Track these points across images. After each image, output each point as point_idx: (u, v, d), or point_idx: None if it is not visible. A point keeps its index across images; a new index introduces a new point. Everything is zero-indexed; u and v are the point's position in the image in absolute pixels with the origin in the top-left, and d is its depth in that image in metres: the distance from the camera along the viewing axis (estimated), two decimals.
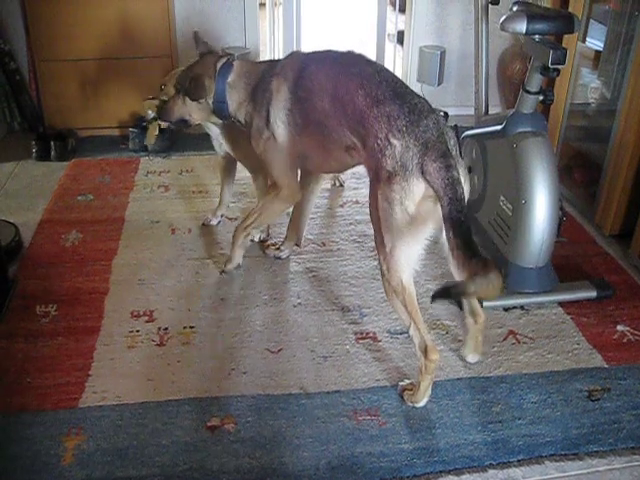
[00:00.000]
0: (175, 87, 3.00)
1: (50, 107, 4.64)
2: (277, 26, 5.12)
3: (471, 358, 2.56)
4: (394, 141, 2.15)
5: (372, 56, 5.06)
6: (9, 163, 4.24)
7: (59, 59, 4.52)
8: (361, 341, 2.68)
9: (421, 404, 2.37)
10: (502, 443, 2.24)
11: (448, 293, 2.11)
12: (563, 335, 2.74)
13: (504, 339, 2.71)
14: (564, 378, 2.51)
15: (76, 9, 4.38)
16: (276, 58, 3.16)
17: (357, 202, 3.72)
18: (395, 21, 5.51)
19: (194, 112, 2.95)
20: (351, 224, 3.50)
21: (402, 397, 2.40)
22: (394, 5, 5.48)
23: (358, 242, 3.33)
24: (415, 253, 2.22)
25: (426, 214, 2.14)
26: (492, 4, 3.24)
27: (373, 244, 3.17)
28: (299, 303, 2.90)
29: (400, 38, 5.33)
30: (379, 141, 2.19)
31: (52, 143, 4.27)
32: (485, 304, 2.81)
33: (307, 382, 2.47)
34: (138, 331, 2.72)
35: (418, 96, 2.31)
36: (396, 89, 2.30)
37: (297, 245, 3.25)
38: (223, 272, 3.07)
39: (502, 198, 2.97)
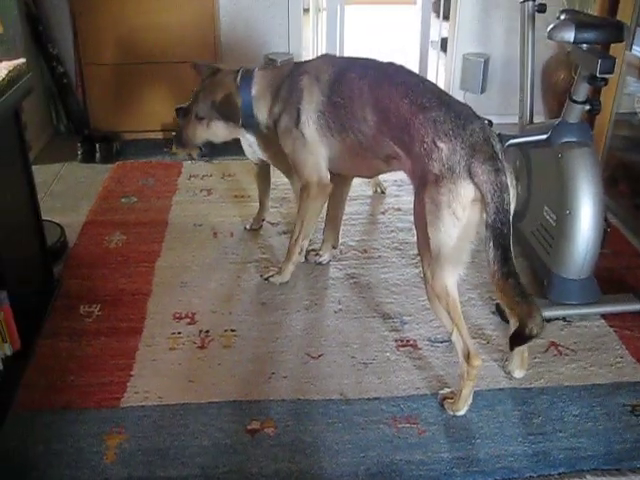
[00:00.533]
0: (193, 112, 2.93)
1: (95, 110, 4.72)
2: (320, 32, 5.14)
3: (517, 374, 2.52)
4: (441, 144, 2.15)
5: (415, 63, 5.07)
6: (55, 164, 4.32)
7: (105, 63, 4.60)
8: (402, 348, 2.68)
9: (461, 412, 2.35)
10: (543, 455, 2.21)
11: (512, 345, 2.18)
12: (606, 348, 2.69)
13: (546, 350, 2.68)
14: (607, 392, 2.47)
15: (123, 15, 4.46)
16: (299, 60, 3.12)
17: (399, 209, 3.71)
18: (439, 28, 5.49)
19: (220, 132, 2.94)
20: (392, 231, 3.50)
21: (443, 405, 2.39)
22: (438, 12, 5.46)
23: (399, 249, 3.32)
24: (461, 258, 2.20)
25: (473, 218, 2.12)
26: (539, 12, 3.22)
27: (414, 252, 3.21)
28: (340, 309, 2.90)
29: (443, 45, 5.31)
30: (425, 145, 2.18)
31: (97, 145, 4.34)
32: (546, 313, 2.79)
33: (347, 388, 2.47)
34: (180, 333, 2.75)
35: (463, 104, 2.31)
36: (441, 97, 2.31)
37: (334, 247, 3.26)
38: (267, 280, 3.07)
39: (546, 208, 2.94)
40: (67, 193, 3.96)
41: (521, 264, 3.15)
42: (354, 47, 5.84)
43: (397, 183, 3.95)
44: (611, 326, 2.82)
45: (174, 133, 3.23)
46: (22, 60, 2.57)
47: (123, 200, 3.85)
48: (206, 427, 2.30)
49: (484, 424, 2.33)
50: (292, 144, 2.74)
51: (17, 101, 2.53)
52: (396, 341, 2.72)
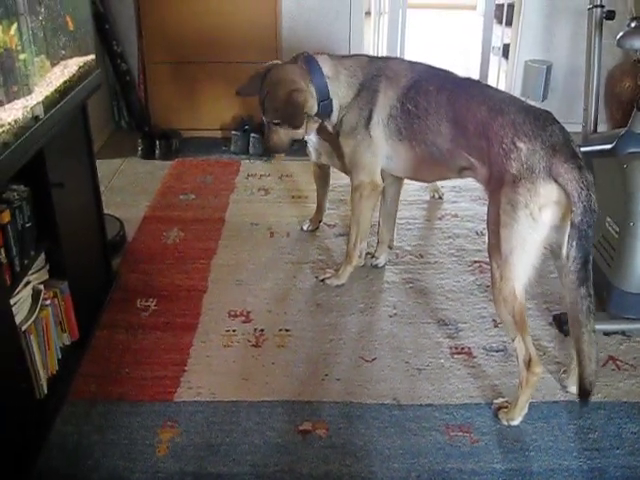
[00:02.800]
0: (267, 121, 2.85)
1: (156, 107, 4.80)
2: (381, 35, 5.12)
3: (575, 389, 2.47)
4: (520, 144, 2.12)
5: (476, 69, 5.03)
6: (116, 160, 4.39)
7: (167, 61, 4.67)
8: (456, 356, 2.65)
9: (516, 422, 2.32)
10: (599, 472, 2.16)
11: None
12: None
13: (604, 365, 2.62)
14: None
15: (187, 15, 4.52)
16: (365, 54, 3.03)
17: (456, 216, 3.68)
18: (501, 34, 5.44)
19: (301, 129, 2.82)
20: (449, 237, 3.47)
21: (497, 415, 2.36)
22: (499, 18, 5.40)
23: (456, 256, 3.29)
24: (532, 262, 2.16)
25: (550, 220, 2.09)
26: (607, 19, 3.16)
27: (471, 259, 3.20)
28: (395, 313, 2.89)
29: (505, 51, 5.25)
30: (504, 146, 2.16)
31: (157, 142, 4.40)
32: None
33: (400, 393, 2.46)
34: (234, 331, 2.77)
35: (542, 109, 2.28)
36: (520, 103, 2.30)
37: (390, 247, 3.24)
38: (323, 281, 3.07)
39: (608, 219, 2.88)
40: (127, 188, 4.03)
41: None
42: (415, 51, 5.81)
43: (455, 189, 3.92)
44: None
45: (264, 142, 3.11)
46: (92, 56, 2.62)
47: (181, 197, 3.90)
48: (258, 425, 2.31)
49: (538, 436, 2.29)
50: (356, 144, 2.71)
51: (86, 96, 2.58)
52: (451, 348, 2.69)
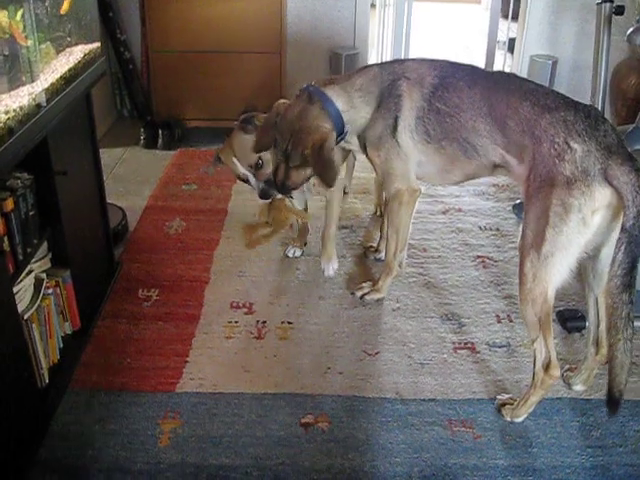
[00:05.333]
0: (290, 162, 2.56)
1: (159, 97, 4.79)
2: (387, 27, 5.10)
3: (579, 387, 2.46)
4: (574, 145, 2.05)
5: (481, 63, 5.01)
6: (118, 149, 4.38)
7: (171, 51, 4.66)
8: (459, 351, 2.64)
9: (520, 419, 2.31)
10: (601, 469, 2.16)
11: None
12: None
13: (607, 362, 2.60)
14: None
15: (191, 4, 4.52)
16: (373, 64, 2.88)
17: (460, 210, 3.67)
18: (507, 29, 5.42)
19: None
20: (453, 232, 3.45)
21: (499, 410, 2.35)
22: (505, 13, 5.38)
23: (459, 250, 3.28)
24: (571, 264, 2.11)
25: (599, 224, 2.04)
26: (616, 14, 3.14)
27: (475, 254, 3.18)
28: (398, 307, 2.88)
29: (511, 46, 5.23)
30: (556, 146, 2.09)
31: (160, 131, 4.38)
32: (588, 324, 2.72)
33: (403, 387, 2.45)
34: (237, 322, 2.76)
35: (588, 104, 2.23)
36: (565, 98, 2.22)
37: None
38: (362, 298, 2.93)
39: None
40: (129, 177, 4.02)
41: None
42: (420, 44, 5.79)
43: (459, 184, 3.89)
44: None
45: (274, 182, 2.66)
46: (97, 44, 2.60)
47: (184, 187, 3.89)
48: (260, 418, 2.31)
49: (541, 433, 2.29)
50: (385, 153, 2.59)
51: (90, 84, 2.56)
52: (454, 343, 2.68)
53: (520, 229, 2.23)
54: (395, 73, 2.54)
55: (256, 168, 2.73)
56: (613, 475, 2.14)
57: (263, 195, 2.77)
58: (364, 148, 2.67)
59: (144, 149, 4.41)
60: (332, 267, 3.06)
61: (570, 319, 2.77)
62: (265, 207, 2.88)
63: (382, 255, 3.17)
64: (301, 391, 2.42)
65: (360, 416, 2.32)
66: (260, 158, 2.70)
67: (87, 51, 2.49)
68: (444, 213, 3.65)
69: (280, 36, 4.63)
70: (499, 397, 2.40)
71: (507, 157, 2.31)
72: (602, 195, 2.00)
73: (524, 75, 4.88)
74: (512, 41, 5.20)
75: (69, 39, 2.32)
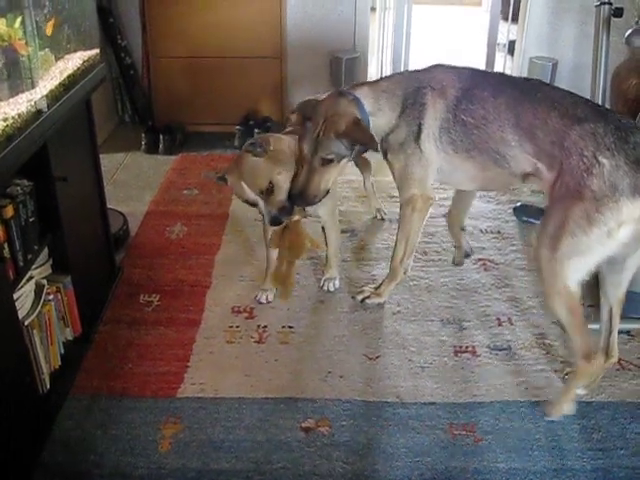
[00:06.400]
0: (316, 159, 2.51)
1: (160, 102, 4.79)
2: (387, 30, 5.11)
3: (581, 391, 2.44)
4: (603, 160, 2.04)
5: (481, 65, 5.01)
6: (119, 154, 4.39)
7: (172, 56, 4.67)
8: (460, 354, 2.64)
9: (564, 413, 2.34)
10: (602, 472, 2.15)
11: None
12: None
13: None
14: None
15: (191, 9, 4.52)
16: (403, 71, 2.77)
17: None
18: (507, 31, 5.42)
19: (341, 172, 2.67)
20: None
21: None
22: (505, 15, 5.38)
23: None
24: (589, 268, 2.13)
25: (625, 237, 2.04)
26: (614, 16, 3.14)
27: (475, 257, 3.19)
28: (398, 311, 2.88)
29: (511, 48, 5.23)
30: (585, 160, 2.08)
31: (161, 137, 4.39)
32: (589, 326, 2.71)
33: (403, 391, 2.45)
34: (238, 327, 2.76)
35: (620, 114, 2.23)
36: (595, 107, 2.22)
37: (467, 255, 3.17)
38: (362, 302, 2.92)
39: None
40: (130, 182, 4.02)
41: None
42: (421, 47, 5.79)
43: None
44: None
45: (290, 193, 2.56)
46: (96, 51, 2.61)
47: (185, 192, 3.89)
48: (261, 422, 2.31)
49: (542, 436, 2.28)
50: (405, 158, 2.56)
51: (90, 90, 2.57)
52: (454, 346, 2.68)
53: (536, 231, 2.26)
54: (421, 81, 2.52)
55: (267, 193, 2.54)
56: (614, 478, 2.14)
57: (274, 222, 2.60)
58: (384, 154, 2.65)
59: (145, 154, 4.42)
60: (334, 284, 3.02)
61: None
62: (279, 233, 2.72)
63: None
64: (302, 395, 2.42)
65: (361, 420, 2.32)
66: (271, 182, 2.53)
67: (86, 57, 2.50)
68: (444, 216, 3.62)
69: (280, 41, 4.64)
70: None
71: (538, 165, 2.28)
72: (630, 209, 2.00)
73: None
74: (512, 43, 5.20)
75: (68, 46, 2.33)
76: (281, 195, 2.55)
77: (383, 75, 5.11)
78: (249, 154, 2.55)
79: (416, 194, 2.63)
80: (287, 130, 2.82)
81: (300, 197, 2.54)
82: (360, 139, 2.49)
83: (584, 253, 2.09)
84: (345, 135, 2.44)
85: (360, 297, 2.93)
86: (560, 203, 2.15)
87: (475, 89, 2.42)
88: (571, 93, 2.32)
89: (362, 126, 2.48)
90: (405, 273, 2.90)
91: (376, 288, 2.92)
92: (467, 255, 3.18)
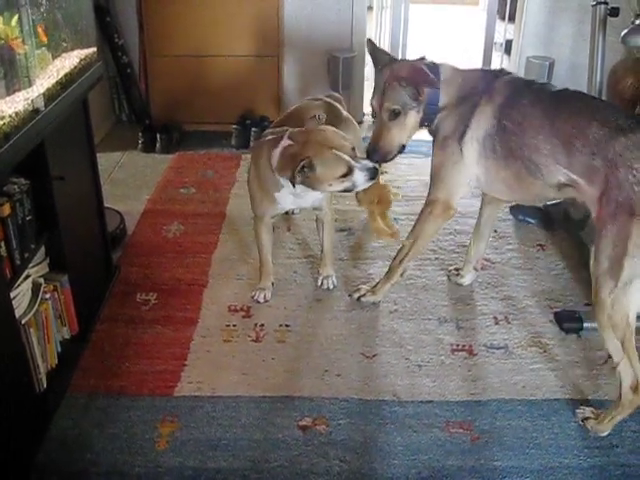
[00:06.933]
0: (385, 113, 2.52)
1: (157, 101, 4.79)
2: (384, 29, 5.11)
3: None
4: None
5: (478, 65, 5.01)
6: (116, 153, 4.38)
7: (169, 55, 4.66)
8: (457, 353, 2.65)
9: (604, 434, 2.29)
10: (599, 470, 2.16)
11: None
12: None
13: (604, 363, 2.60)
14: None
15: (188, 8, 4.51)
16: (486, 68, 2.69)
17: (457, 212, 3.64)
18: (504, 30, 5.43)
19: (415, 124, 2.58)
20: (450, 234, 3.45)
21: (583, 423, 2.33)
22: (502, 14, 5.38)
23: (457, 252, 3.28)
24: None
25: None
26: (610, 16, 3.15)
27: None
28: (395, 310, 2.88)
29: (508, 48, 5.24)
30: (635, 172, 2.04)
31: (158, 136, 4.39)
32: (585, 325, 2.74)
33: (400, 390, 2.46)
34: (235, 325, 2.76)
35: None
36: (638, 118, 2.21)
37: (475, 269, 3.09)
38: (358, 300, 2.92)
39: None
40: (127, 181, 4.02)
41: (582, 273, 3.10)
42: (418, 46, 5.80)
43: None
44: None
45: (372, 144, 2.59)
46: (93, 49, 2.61)
47: (182, 191, 3.89)
48: (258, 421, 2.31)
49: (539, 434, 2.29)
50: (444, 155, 2.54)
51: (87, 89, 2.57)
52: (451, 345, 2.69)
53: (592, 252, 2.19)
54: (486, 84, 2.48)
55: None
56: (610, 475, 2.15)
57: (374, 173, 2.51)
58: (433, 137, 2.63)
59: (142, 153, 4.41)
60: (332, 282, 3.02)
61: (567, 320, 2.78)
62: (363, 192, 2.69)
63: (464, 280, 3.07)
64: (299, 394, 2.42)
65: (358, 418, 2.33)
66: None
67: (83, 56, 2.50)
68: None
69: (277, 39, 4.63)
70: (579, 411, 2.37)
71: (573, 177, 2.24)
72: None
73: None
74: (509, 42, 5.21)
75: (65, 44, 2.33)
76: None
77: None
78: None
79: (439, 198, 2.61)
80: (275, 129, 2.79)
81: (375, 152, 2.57)
82: (420, 80, 2.46)
83: None
84: (405, 79, 2.45)
85: (356, 295, 2.93)
86: (612, 222, 2.09)
87: (518, 96, 2.39)
88: (611, 104, 2.29)
89: (423, 71, 2.45)
90: (402, 275, 2.89)
91: (372, 287, 2.92)
92: (475, 269, 3.10)
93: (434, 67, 2.52)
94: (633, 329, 2.14)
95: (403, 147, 2.60)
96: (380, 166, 2.65)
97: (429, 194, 2.65)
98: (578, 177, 2.22)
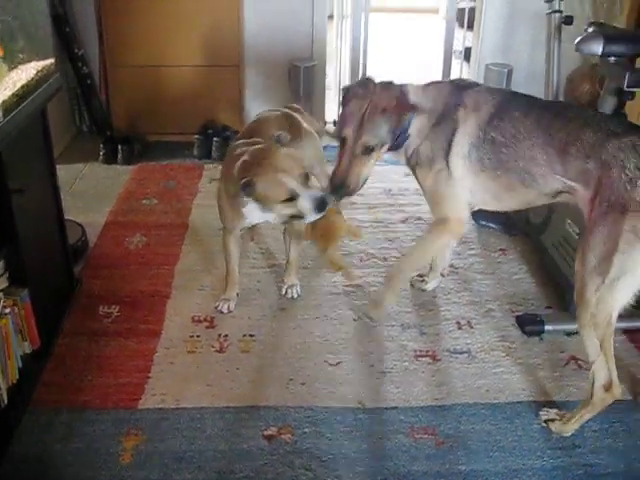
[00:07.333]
0: (359, 146, 2.43)
1: (118, 111, 4.76)
2: (344, 39, 5.13)
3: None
4: None
5: (438, 72, 5.06)
6: (77, 164, 4.34)
7: (130, 65, 4.64)
8: (420, 359, 2.66)
9: (569, 434, 2.32)
10: (561, 471, 2.19)
11: None
12: (626, 363, 2.65)
13: (565, 364, 2.66)
14: (627, 407, 2.44)
15: (149, 18, 4.50)
16: (447, 80, 2.64)
17: (419, 218, 3.68)
18: (463, 38, 5.48)
19: (379, 159, 2.53)
20: (413, 240, 3.46)
21: (547, 424, 2.36)
22: (461, 22, 5.44)
23: None
24: (637, 288, 2.12)
25: None
26: (565, 24, 3.21)
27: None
28: (359, 317, 2.89)
29: (467, 55, 5.30)
30: (627, 171, 2.07)
31: (119, 147, 4.36)
32: (547, 328, 2.77)
33: (365, 397, 2.46)
34: (198, 336, 2.75)
35: None
36: (628, 123, 2.23)
37: (442, 275, 3.12)
38: (369, 319, 2.86)
39: (568, 221, 2.92)
40: (88, 193, 3.98)
41: (543, 276, 3.15)
42: (378, 54, 5.84)
43: (418, 192, 3.89)
44: (631, 341, 2.79)
45: (332, 183, 2.49)
46: (51, 60, 2.59)
47: (144, 202, 3.87)
48: (223, 432, 2.30)
49: (502, 437, 2.31)
50: (434, 176, 2.51)
51: (45, 101, 2.54)
52: (415, 351, 2.70)
53: (579, 252, 2.21)
54: (457, 97, 2.47)
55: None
56: (573, 476, 2.18)
57: (321, 205, 2.44)
58: (412, 169, 2.60)
59: (104, 164, 4.37)
60: (297, 291, 3.02)
61: (529, 323, 2.81)
62: (309, 226, 2.58)
63: (428, 286, 3.08)
64: (264, 403, 2.42)
65: (323, 426, 2.33)
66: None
67: (40, 67, 2.48)
68: (404, 222, 3.68)
69: (238, 49, 4.64)
70: (543, 413, 2.40)
71: (570, 183, 2.26)
72: None
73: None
74: (468, 50, 5.26)
75: (21, 56, 2.31)
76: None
77: (340, 85, 5.17)
78: (277, 147, 2.51)
79: (449, 216, 2.56)
80: (241, 140, 2.78)
81: (342, 188, 2.46)
82: (402, 109, 2.42)
83: (633, 271, 2.07)
84: (390, 110, 2.39)
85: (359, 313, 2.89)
86: (603, 221, 2.12)
87: (506, 108, 2.39)
88: (602, 113, 2.34)
89: (405, 99, 2.43)
90: (404, 282, 2.86)
91: (374, 300, 2.85)
92: (442, 275, 3.13)
93: (404, 90, 2.49)
94: (613, 330, 2.17)
95: (365, 182, 2.53)
96: (338, 201, 2.62)
97: (436, 214, 2.61)
98: (573, 182, 2.24)
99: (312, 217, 2.47)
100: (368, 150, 2.43)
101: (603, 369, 2.20)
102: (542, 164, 2.31)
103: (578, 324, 2.23)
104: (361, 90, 2.48)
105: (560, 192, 2.33)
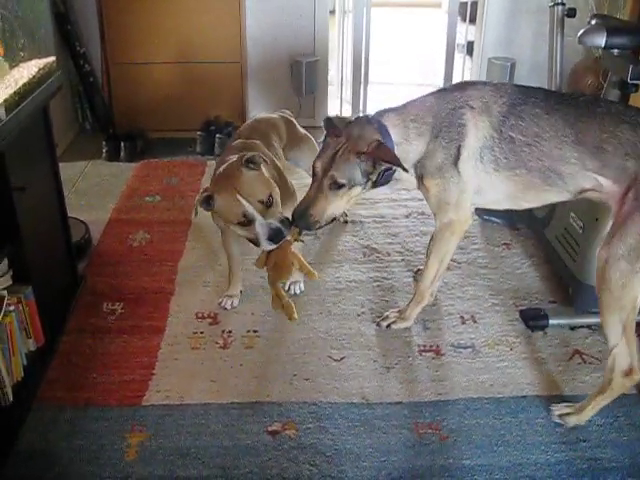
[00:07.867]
0: (327, 181, 2.34)
1: (121, 109, 4.76)
2: (346, 34, 5.13)
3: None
4: None
5: (441, 66, 5.06)
6: (80, 162, 4.35)
7: (132, 62, 4.65)
8: (424, 354, 2.66)
9: (583, 422, 2.33)
10: (566, 465, 2.19)
11: None
12: None
13: (570, 358, 2.65)
14: (632, 402, 2.43)
15: (150, 15, 4.51)
16: (434, 91, 2.58)
17: (422, 213, 3.68)
18: (465, 32, 5.48)
19: (353, 200, 2.44)
20: (416, 235, 3.48)
21: (561, 418, 2.35)
22: (464, 16, 5.44)
23: (423, 254, 3.27)
24: None
25: None
26: (568, 16, 3.20)
27: None
28: (362, 312, 2.89)
29: (469, 49, 5.29)
30: None
31: (122, 144, 4.37)
32: (551, 322, 2.77)
33: (369, 392, 2.46)
34: (202, 333, 2.76)
35: None
36: None
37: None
38: (388, 327, 2.81)
39: (572, 214, 2.91)
40: (91, 191, 3.99)
41: (546, 271, 3.14)
42: (380, 49, 5.83)
43: None
44: (638, 335, 2.77)
45: (295, 215, 2.38)
46: (52, 58, 2.59)
47: (147, 199, 3.87)
48: (227, 427, 2.31)
49: (506, 432, 2.31)
50: (443, 183, 2.45)
51: (47, 99, 2.55)
52: (419, 346, 2.70)
53: (606, 237, 2.20)
54: (456, 101, 2.40)
55: (267, 206, 2.40)
56: (577, 470, 2.17)
57: (276, 236, 2.40)
58: (419, 179, 2.52)
59: (107, 162, 4.39)
60: (299, 287, 3.01)
61: (533, 318, 2.81)
62: (264, 254, 2.55)
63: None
64: (268, 399, 2.42)
65: (327, 422, 2.33)
66: (271, 195, 2.42)
67: (42, 65, 2.48)
68: (407, 217, 3.68)
69: (240, 45, 4.64)
70: (555, 409, 2.38)
71: (601, 180, 2.23)
72: None
73: (483, 78, 4.94)
74: (471, 44, 5.26)
75: (22, 54, 2.31)
76: (279, 208, 2.45)
77: (343, 80, 5.16)
78: (243, 168, 2.42)
79: (454, 219, 2.54)
80: (236, 143, 2.79)
81: (302, 218, 2.37)
82: (384, 157, 2.31)
83: None
84: (367, 155, 2.30)
85: (385, 323, 2.81)
86: (632, 216, 2.12)
87: (524, 105, 2.34)
88: (631, 106, 2.30)
89: (386, 147, 2.33)
90: (432, 295, 2.85)
91: (401, 312, 2.82)
92: None
93: (382, 128, 2.40)
94: (636, 313, 2.17)
95: (333, 219, 2.46)
96: (300, 234, 2.56)
97: (441, 219, 2.57)
98: (605, 180, 2.22)
99: (266, 246, 2.44)
100: (336, 186, 2.33)
101: (624, 354, 2.19)
102: (573, 162, 2.27)
103: (600, 308, 2.21)
104: (338, 128, 2.39)
105: (586, 190, 2.30)
